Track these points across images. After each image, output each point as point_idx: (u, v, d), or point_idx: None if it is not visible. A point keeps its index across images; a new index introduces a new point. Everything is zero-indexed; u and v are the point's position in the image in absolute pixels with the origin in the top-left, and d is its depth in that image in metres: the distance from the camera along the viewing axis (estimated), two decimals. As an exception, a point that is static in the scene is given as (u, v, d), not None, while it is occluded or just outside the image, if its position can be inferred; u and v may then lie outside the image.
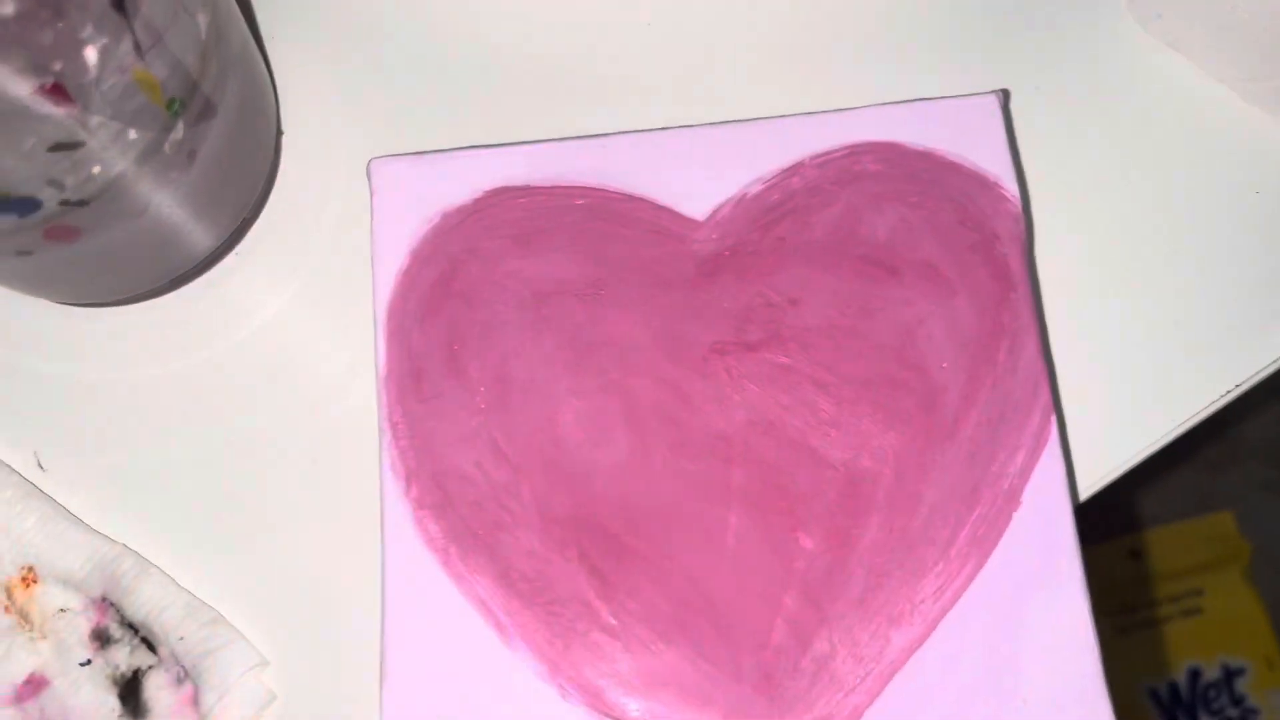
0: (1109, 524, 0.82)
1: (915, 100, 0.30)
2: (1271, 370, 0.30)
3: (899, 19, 0.33)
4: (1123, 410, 0.30)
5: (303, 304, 0.31)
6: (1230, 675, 0.78)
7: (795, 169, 0.29)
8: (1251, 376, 0.30)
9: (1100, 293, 0.30)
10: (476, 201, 0.29)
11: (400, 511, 0.27)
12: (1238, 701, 0.77)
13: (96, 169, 0.24)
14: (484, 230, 0.29)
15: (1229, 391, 0.30)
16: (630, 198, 0.29)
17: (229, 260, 0.31)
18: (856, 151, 0.29)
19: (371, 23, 0.33)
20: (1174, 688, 0.78)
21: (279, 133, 0.32)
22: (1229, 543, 0.81)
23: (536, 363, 0.28)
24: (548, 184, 0.29)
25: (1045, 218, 0.31)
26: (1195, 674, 0.78)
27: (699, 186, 0.29)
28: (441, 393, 0.28)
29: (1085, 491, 0.29)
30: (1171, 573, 0.81)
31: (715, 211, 0.29)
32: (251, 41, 0.29)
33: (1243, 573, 0.81)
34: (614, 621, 0.26)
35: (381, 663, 0.26)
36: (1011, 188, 0.29)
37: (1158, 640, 0.79)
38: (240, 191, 0.30)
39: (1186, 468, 0.84)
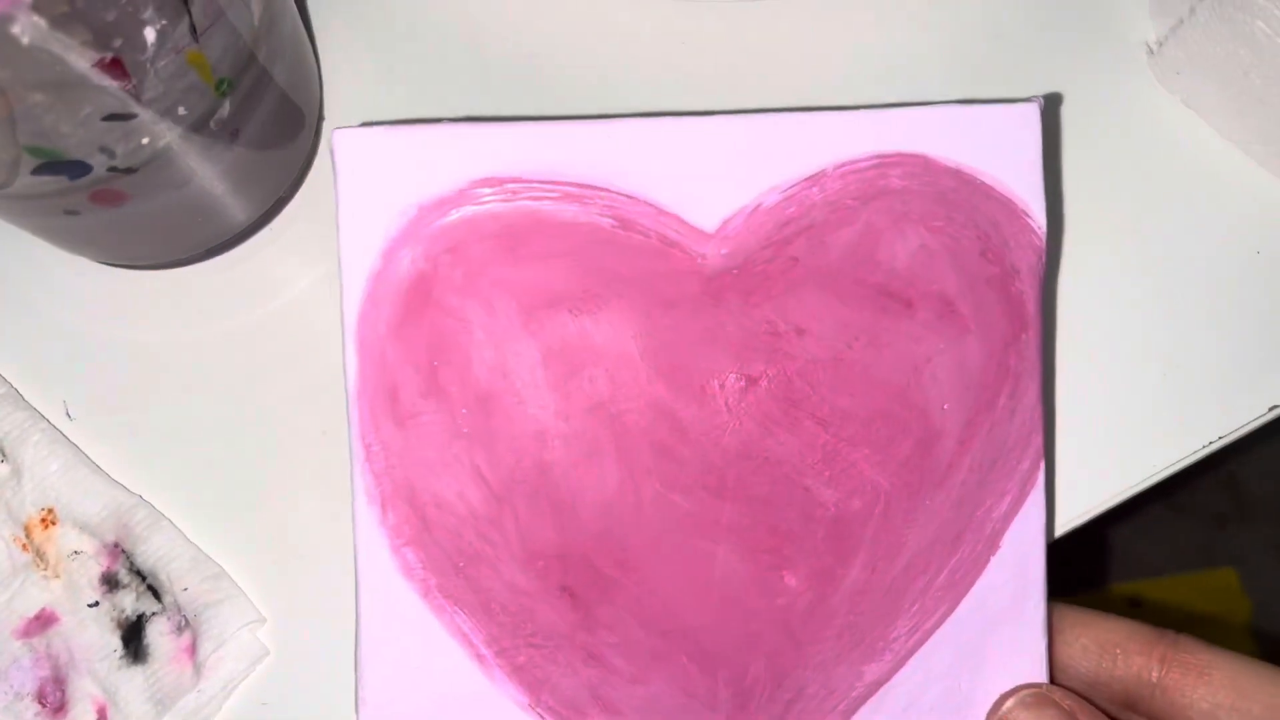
0: (1111, 571, 0.82)
1: (950, 103, 0.27)
2: (1254, 426, 0.31)
3: (920, 52, 0.34)
4: (1108, 451, 0.30)
5: (329, 284, 0.32)
6: (1220, 731, 0.77)
7: (817, 178, 0.27)
8: (1234, 430, 0.30)
9: (1099, 334, 0.31)
10: (460, 194, 0.26)
11: (376, 540, 0.26)
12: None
13: (145, 140, 0.25)
14: (468, 230, 0.26)
15: (1211, 443, 0.30)
16: (633, 199, 0.27)
17: (262, 235, 0.33)
18: (884, 164, 0.27)
19: (418, 13, 0.34)
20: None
21: (320, 118, 0.33)
22: (1231, 599, 0.81)
23: (522, 383, 0.26)
24: (541, 178, 0.26)
25: (1057, 251, 0.32)
26: (1185, 726, 0.78)
27: (711, 190, 0.27)
28: (419, 412, 0.26)
29: (1061, 528, 0.30)
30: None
31: (726, 223, 0.27)
32: (301, 28, 0.31)
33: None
34: (594, 655, 0.26)
35: (357, 691, 0.26)
36: (1040, 218, 0.27)
37: (1150, 690, 0.79)
38: (279, 171, 0.31)
39: (1193, 522, 0.84)
